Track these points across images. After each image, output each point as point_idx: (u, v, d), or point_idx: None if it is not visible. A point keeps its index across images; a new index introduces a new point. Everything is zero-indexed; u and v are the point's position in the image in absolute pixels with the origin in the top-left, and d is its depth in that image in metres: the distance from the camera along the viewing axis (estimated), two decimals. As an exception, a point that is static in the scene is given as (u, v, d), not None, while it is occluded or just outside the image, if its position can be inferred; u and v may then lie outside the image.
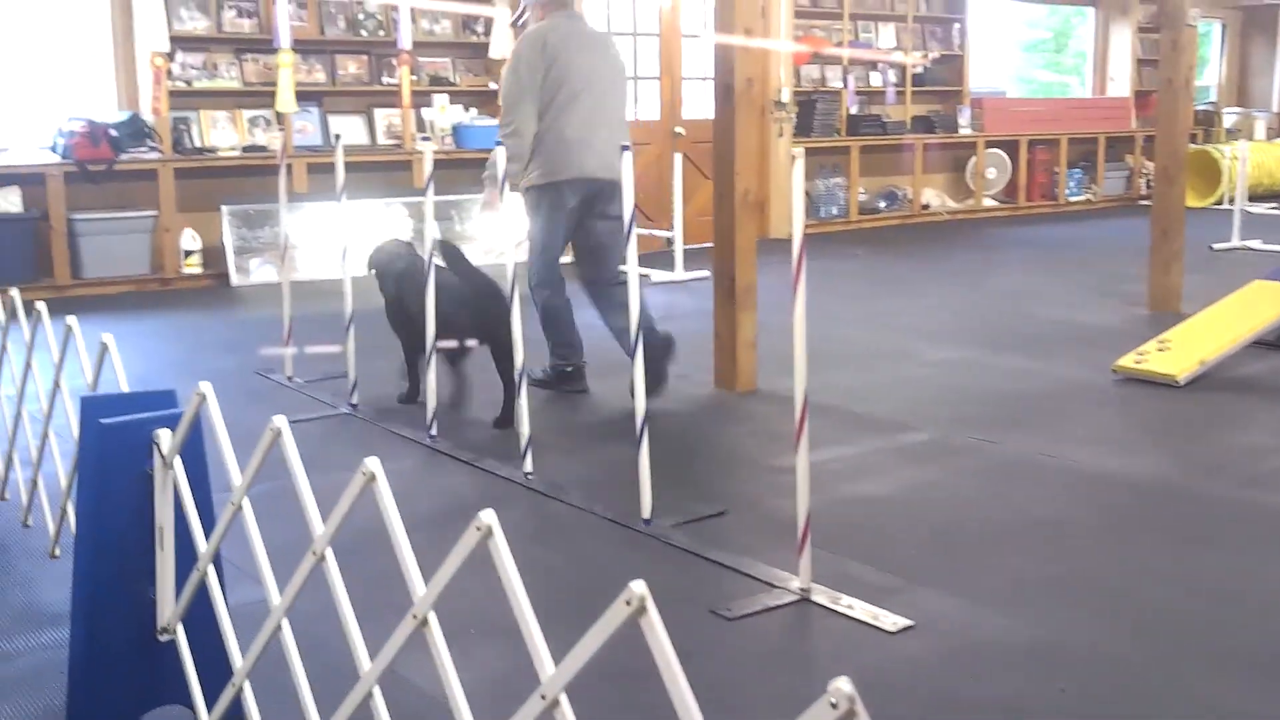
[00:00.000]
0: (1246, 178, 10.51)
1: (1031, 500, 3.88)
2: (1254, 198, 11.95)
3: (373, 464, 1.74)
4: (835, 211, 11.35)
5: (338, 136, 5.18)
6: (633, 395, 3.57)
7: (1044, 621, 2.95)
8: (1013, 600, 3.09)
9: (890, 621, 2.90)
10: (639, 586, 1.31)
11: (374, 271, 5.08)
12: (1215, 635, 2.89)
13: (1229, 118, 14.83)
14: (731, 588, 3.14)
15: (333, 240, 6.35)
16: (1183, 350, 5.44)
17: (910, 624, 2.89)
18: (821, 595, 3.05)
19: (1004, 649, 2.81)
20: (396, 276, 4.98)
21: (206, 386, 2.14)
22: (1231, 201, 10.59)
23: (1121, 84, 13.92)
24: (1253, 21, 15.29)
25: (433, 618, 1.65)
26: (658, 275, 8.30)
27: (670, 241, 8.70)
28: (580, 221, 5.10)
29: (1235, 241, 9.61)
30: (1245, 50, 15.52)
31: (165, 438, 2.22)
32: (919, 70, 12.19)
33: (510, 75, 5.07)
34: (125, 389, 2.59)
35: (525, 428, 4.02)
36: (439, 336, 4.49)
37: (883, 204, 11.84)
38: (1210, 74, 15.45)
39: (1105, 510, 3.82)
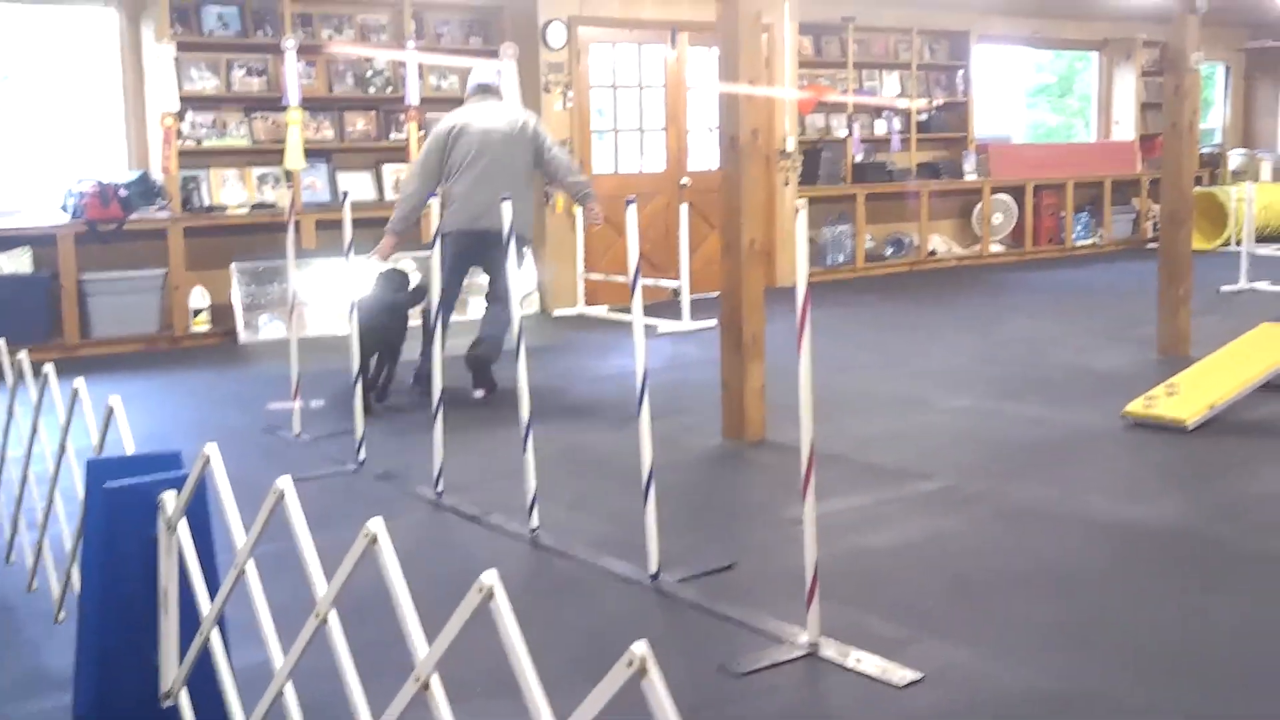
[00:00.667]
0: (1254, 219, 10.52)
1: (1043, 548, 3.85)
2: (1261, 239, 11.95)
3: (375, 525, 1.74)
4: (842, 259, 11.37)
5: (345, 193, 5.22)
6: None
7: (1057, 671, 2.92)
8: (1025, 650, 3.06)
9: (899, 675, 2.87)
10: (640, 647, 1.30)
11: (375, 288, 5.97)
12: (1233, 683, 2.86)
13: (1234, 159, 14.86)
14: (740, 642, 3.11)
15: (341, 296, 6.42)
16: (1191, 394, 5.42)
17: (919, 677, 2.86)
18: (831, 649, 3.02)
19: (1016, 701, 2.78)
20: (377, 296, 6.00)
21: (212, 448, 2.14)
22: (1239, 243, 10.59)
23: (1126, 128, 13.95)
24: (1257, 63, 15.35)
25: (435, 680, 1.64)
26: (665, 325, 8.31)
27: (677, 291, 8.72)
28: (478, 259, 6.40)
29: (1243, 284, 9.61)
30: (1250, 92, 15.57)
31: (169, 501, 2.22)
32: (924, 117, 12.25)
33: (420, 152, 6.34)
34: (131, 451, 2.59)
35: (532, 482, 4.02)
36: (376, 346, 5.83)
37: (890, 251, 11.87)
38: (1215, 116, 15.50)
39: (1117, 557, 3.79)
